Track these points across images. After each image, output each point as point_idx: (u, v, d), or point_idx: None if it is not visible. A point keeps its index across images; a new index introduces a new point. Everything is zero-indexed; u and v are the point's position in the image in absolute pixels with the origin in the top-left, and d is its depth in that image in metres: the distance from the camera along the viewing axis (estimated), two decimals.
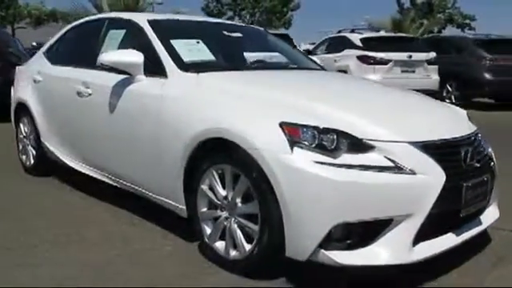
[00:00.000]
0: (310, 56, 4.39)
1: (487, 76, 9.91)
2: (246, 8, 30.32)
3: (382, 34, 12.00)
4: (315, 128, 2.03)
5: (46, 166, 4.00)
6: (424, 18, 23.77)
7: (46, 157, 3.91)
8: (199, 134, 2.33)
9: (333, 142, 2.01)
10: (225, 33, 3.48)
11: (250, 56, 3.45)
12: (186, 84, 2.64)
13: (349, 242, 2.00)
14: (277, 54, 3.69)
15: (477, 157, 2.32)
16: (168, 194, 2.60)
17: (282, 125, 2.06)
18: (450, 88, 10.49)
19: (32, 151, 4.09)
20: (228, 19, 22.50)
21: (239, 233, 2.23)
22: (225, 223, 2.31)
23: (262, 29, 4.32)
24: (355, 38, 10.37)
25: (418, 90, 3.33)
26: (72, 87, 3.38)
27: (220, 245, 2.33)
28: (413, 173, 2.02)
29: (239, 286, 2.17)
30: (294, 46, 7.14)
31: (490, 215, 2.51)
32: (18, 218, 3.05)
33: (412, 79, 9.29)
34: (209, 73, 2.73)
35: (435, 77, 9.84)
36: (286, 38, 10.11)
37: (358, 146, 2.02)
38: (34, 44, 21.37)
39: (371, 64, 9.49)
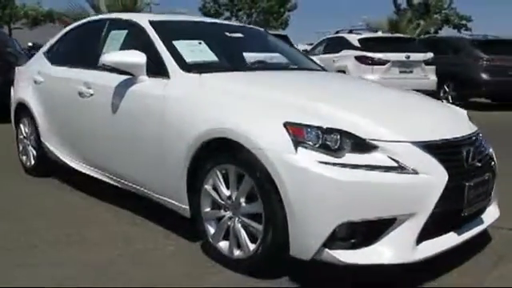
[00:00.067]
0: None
1: (484, 76, 9.97)
2: (242, 8, 30.32)
3: (380, 34, 12.04)
4: (319, 128, 2.04)
5: (47, 166, 4.00)
6: (421, 19, 23.82)
7: (46, 157, 3.91)
8: (203, 135, 2.34)
9: (336, 142, 2.02)
10: (226, 33, 3.50)
11: (250, 56, 3.46)
12: (188, 84, 2.65)
13: (353, 241, 2.02)
14: (277, 54, 3.70)
15: (478, 156, 2.34)
16: (171, 194, 2.60)
17: (286, 125, 2.07)
18: (447, 88, 10.53)
19: (32, 152, 4.08)
20: (225, 20, 22.49)
21: (243, 232, 2.25)
22: (228, 223, 2.32)
23: (262, 29, 4.33)
24: (353, 38, 10.40)
25: (416, 91, 3.35)
26: (73, 87, 3.38)
27: (224, 244, 2.34)
28: (416, 172, 2.03)
29: (243, 284, 2.18)
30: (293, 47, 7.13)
31: (491, 214, 2.53)
32: (19, 219, 3.05)
33: (410, 80, 9.33)
34: (211, 73, 2.74)
35: (433, 77, 9.89)
36: (285, 39, 10.11)
37: (362, 145, 2.04)
38: (30, 44, 21.34)
39: (369, 64, 9.52)
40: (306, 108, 2.20)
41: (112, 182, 3.20)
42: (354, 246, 2.02)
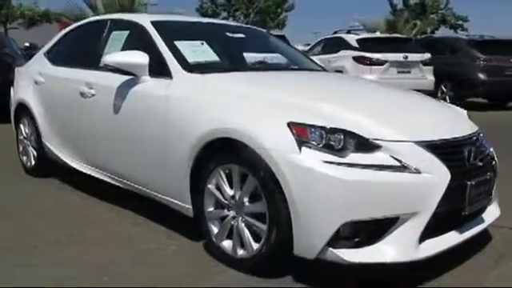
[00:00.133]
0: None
1: (481, 76, 10.02)
2: (240, 9, 30.29)
3: (378, 34, 12.07)
4: (322, 128, 2.06)
5: (47, 166, 3.99)
6: (417, 19, 23.86)
7: (46, 157, 3.91)
8: (206, 135, 2.35)
9: (340, 142, 2.04)
10: (228, 34, 3.50)
11: (251, 57, 3.47)
12: (191, 85, 2.66)
13: (356, 240, 2.03)
14: (278, 55, 3.71)
15: (479, 156, 2.36)
16: (174, 194, 2.61)
17: (290, 125, 2.08)
18: (444, 88, 10.57)
19: (33, 152, 4.08)
20: (222, 20, 22.47)
21: (247, 232, 2.25)
22: (232, 222, 2.33)
23: (263, 30, 4.34)
24: (351, 38, 10.43)
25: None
26: (75, 88, 3.38)
27: (227, 244, 2.35)
28: (418, 172, 2.05)
29: (246, 284, 2.19)
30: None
31: (492, 213, 2.55)
32: (19, 219, 3.04)
33: (408, 80, 9.36)
34: (214, 74, 2.75)
35: (430, 77, 9.93)
36: (283, 40, 10.13)
37: (365, 145, 2.05)
38: (27, 44, 21.23)
39: (367, 65, 9.55)
40: (309, 108, 2.21)
41: (114, 182, 3.20)
42: (357, 245, 2.03)
